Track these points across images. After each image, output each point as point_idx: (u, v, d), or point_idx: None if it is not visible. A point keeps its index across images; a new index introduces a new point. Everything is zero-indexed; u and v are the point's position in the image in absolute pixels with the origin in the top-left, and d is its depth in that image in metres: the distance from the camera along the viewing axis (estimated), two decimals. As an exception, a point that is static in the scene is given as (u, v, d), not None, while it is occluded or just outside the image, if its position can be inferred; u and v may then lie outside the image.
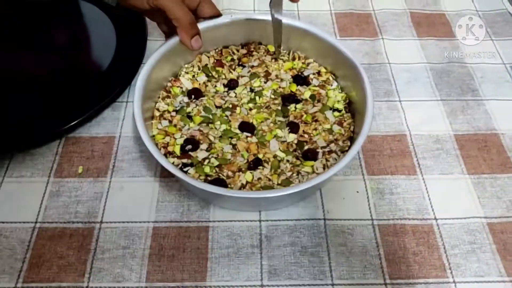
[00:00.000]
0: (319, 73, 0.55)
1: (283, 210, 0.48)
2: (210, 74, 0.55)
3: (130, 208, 0.47)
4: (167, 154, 0.47)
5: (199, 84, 0.54)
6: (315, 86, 0.54)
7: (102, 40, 0.63)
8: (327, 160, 0.47)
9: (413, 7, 0.71)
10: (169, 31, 0.53)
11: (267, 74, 0.55)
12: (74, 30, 0.65)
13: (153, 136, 0.48)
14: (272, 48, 0.57)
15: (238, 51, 0.58)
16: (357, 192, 0.49)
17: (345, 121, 0.50)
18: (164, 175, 0.50)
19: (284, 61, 0.57)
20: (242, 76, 0.55)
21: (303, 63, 0.57)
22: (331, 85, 0.54)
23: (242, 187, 0.46)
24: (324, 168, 0.46)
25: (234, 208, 0.47)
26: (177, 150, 0.47)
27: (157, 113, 0.51)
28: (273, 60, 0.57)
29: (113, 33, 0.62)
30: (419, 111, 0.57)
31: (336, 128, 0.49)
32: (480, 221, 0.47)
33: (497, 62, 0.63)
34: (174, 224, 0.46)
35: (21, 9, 0.64)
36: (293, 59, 0.57)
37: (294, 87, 0.54)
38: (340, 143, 0.48)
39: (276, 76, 0.55)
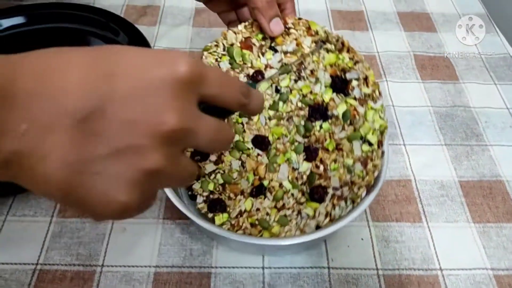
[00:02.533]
0: (366, 79, 0.43)
1: (287, 257, 0.47)
2: (234, 60, 0.46)
3: (132, 251, 0.46)
4: None
5: (221, 72, 0.48)
6: (354, 99, 0.43)
7: None
8: (333, 206, 0.43)
9: (417, 49, 0.70)
10: (235, 20, 0.48)
11: (301, 68, 0.45)
12: None
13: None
14: (315, 26, 0.45)
15: None
16: (362, 239, 0.48)
17: (372, 161, 0.42)
18: (168, 216, 0.49)
19: (328, 51, 0.45)
20: (270, 67, 0.46)
21: (351, 58, 0.44)
22: (375, 103, 0.43)
23: (239, 214, 0.45)
24: (326, 216, 0.43)
25: (238, 249, 0.47)
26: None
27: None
28: (315, 46, 0.45)
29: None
30: (424, 155, 0.56)
31: (358, 168, 0.42)
32: (487, 273, 0.45)
33: (501, 107, 0.62)
34: (176, 270, 0.45)
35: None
36: (340, 50, 0.44)
37: (328, 95, 0.44)
38: (355, 189, 0.42)
39: (312, 72, 0.45)
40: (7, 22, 0.61)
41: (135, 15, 0.72)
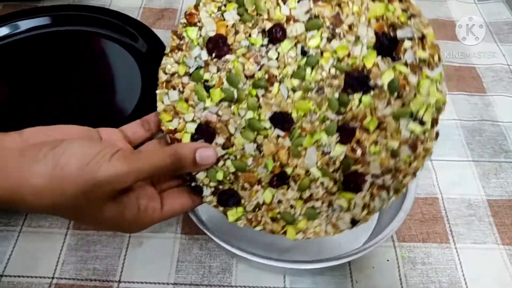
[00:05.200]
0: (422, 40, 0.33)
1: (309, 276, 0.43)
2: (245, 9, 0.35)
3: (149, 267, 0.44)
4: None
5: (226, 26, 0.35)
6: (405, 64, 0.34)
7: (126, 82, 0.58)
8: (371, 197, 0.36)
9: (444, 58, 0.60)
10: None
11: (336, 22, 0.34)
12: (96, 71, 0.60)
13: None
14: None
15: None
16: (387, 260, 0.45)
17: (423, 143, 0.34)
18: (186, 231, 0.47)
19: None
20: (295, 20, 0.35)
21: (404, 10, 0.33)
22: (432, 70, 0.33)
23: (257, 207, 0.38)
24: (363, 209, 0.36)
25: (259, 267, 0.43)
26: (187, 140, 0.37)
27: (163, 76, 0.37)
28: None
29: (138, 75, 0.58)
30: (451, 172, 0.53)
31: (405, 151, 0.34)
32: None
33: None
34: None
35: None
36: None
37: (372, 58, 0.34)
38: (400, 177, 0.35)
39: (350, 28, 0.34)
40: (27, 24, 0.62)
41: (152, 18, 0.70)
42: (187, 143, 0.36)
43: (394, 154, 0.35)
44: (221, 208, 0.38)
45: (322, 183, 0.37)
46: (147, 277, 0.44)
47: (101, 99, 0.57)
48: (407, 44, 0.34)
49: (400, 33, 0.33)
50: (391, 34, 0.34)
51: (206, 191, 0.37)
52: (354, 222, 0.37)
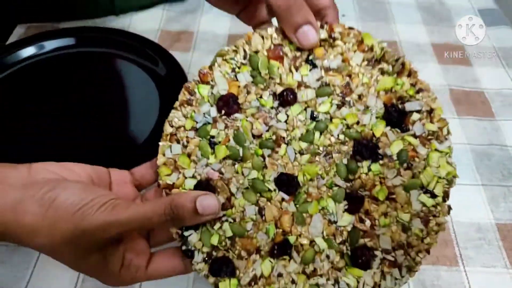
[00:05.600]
0: (430, 113, 0.34)
1: None
2: (258, 72, 0.35)
3: (168, 279, 0.39)
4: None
5: (239, 87, 0.36)
6: (414, 136, 0.34)
7: (145, 105, 0.57)
8: (383, 275, 0.33)
9: (453, 83, 0.66)
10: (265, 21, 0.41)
11: (346, 91, 0.35)
12: (116, 93, 0.60)
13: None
14: (370, 40, 0.35)
15: None
16: None
17: (435, 217, 0.33)
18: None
19: (383, 73, 0.35)
20: (306, 86, 0.35)
21: (412, 85, 0.35)
22: (441, 143, 0.34)
23: (253, 281, 0.34)
24: None
25: None
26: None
27: (168, 129, 0.35)
28: (366, 64, 0.35)
29: (156, 96, 0.58)
30: (460, 196, 0.49)
31: (416, 225, 0.33)
32: None
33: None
34: None
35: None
36: (399, 73, 0.35)
37: (380, 128, 0.34)
38: (413, 253, 0.32)
39: (360, 98, 0.35)
40: (52, 44, 0.63)
41: (169, 40, 0.71)
42: (186, 192, 0.34)
43: (405, 227, 0.33)
44: (212, 280, 0.33)
45: (327, 256, 0.33)
46: None
47: (118, 120, 0.56)
48: (415, 116, 0.34)
49: (408, 106, 0.34)
50: (400, 106, 0.35)
51: (198, 257, 0.33)
52: (362, 305, 0.32)
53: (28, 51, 0.61)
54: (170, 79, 0.58)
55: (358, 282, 0.33)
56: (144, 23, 0.74)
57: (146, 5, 0.75)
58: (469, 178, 0.54)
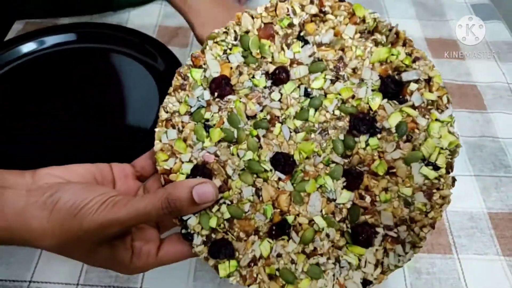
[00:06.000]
0: (429, 81, 0.33)
1: None
2: (249, 52, 0.35)
3: (169, 274, 0.44)
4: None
5: (231, 68, 0.35)
6: (413, 107, 0.33)
7: (144, 100, 0.58)
8: (386, 252, 0.32)
9: (446, 77, 0.66)
10: None
11: (339, 65, 0.34)
12: (115, 88, 0.61)
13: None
14: (361, 11, 0.34)
15: (303, 8, 0.35)
16: None
17: (439, 190, 0.31)
18: None
19: (377, 44, 0.34)
20: (298, 63, 0.35)
21: (408, 54, 0.33)
22: (442, 113, 0.32)
23: (253, 262, 0.33)
24: (376, 267, 0.31)
25: None
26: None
27: (163, 115, 0.36)
28: (359, 36, 0.34)
29: (155, 91, 0.58)
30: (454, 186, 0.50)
31: (419, 199, 0.31)
32: None
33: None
34: None
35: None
36: (393, 43, 0.34)
37: (377, 101, 0.33)
38: (416, 229, 0.31)
39: (354, 71, 0.34)
40: (52, 40, 0.64)
41: (167, 36, 0.72)
42: (181, 182, 0.33)
43: (407, 202, 0.32)
44: (211, 262, 0.33)
45: (327, 235, 0.32)
46: (167, 284, 0.45)
47: (118, 115, 0.57)
48: (413, 86, 0.33)
49: (405, 76, 0.33)
50: (396, 77, 0.33)
51: (197, 240, 0.33)
52: (365, 283, 0.31)
53: (28, 47, 0.63)
54: (169, 74, 0.59)
55: (359, 260, 0.32)
56: (141, 19, 0.74)
57: (143, 0, 0.75)
58: (462, 169, 0.56)
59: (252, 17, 0.35)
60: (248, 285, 0.33)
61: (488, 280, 0.46)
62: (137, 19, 0.74)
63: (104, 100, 0.59)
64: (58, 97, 0.59)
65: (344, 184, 0.33)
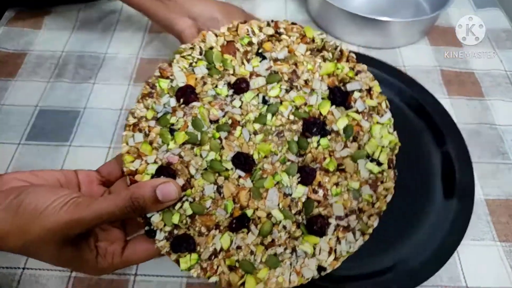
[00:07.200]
0: (369, 91, 0.38)
1: None
2: (213, 65, 0.39)
3: (164, 261, 0.40)
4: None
5: (196, 79, 0.39)
6: (357, 112, 0.37)
7: None
8: (338, 240, 0.34)
9: (444, 64, 0.67)
10: None
11: (293, 77, 0.39)
12: None
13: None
14: (311, 33, 0.39)
15: (261, 29, 0.40)
16: None
17: (383, 183, 0.35)
18: None
19: (324, 59, 0.39)
20: (257, 75, 0.39)
21: (351, 68, 0.39)
22: (382, 116, 0.37)
23: (214, 254, 0.35)
24: (329, 253, 0.34)
25: None
26: (146, 181, 0.36)
27: (131, 120, 0.38)
28: (310, 53, 0.39)
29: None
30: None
31: (366, 191, 0.35)
32: None
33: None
34: (207, 281, 0.39)
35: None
36: (339, 59, 0.39)
37: (326, 107, 0.37)
38: (364, 218, 0.34)
39: (306, 82, 0.39)
40: None
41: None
42: (145, 182, 0.35)
43: (355, 195, 0.35)
44: (173, 256, 0.34)
45: (284, 227, 0.35)
46: (163, 270, 0.45)
47: None
48: (356, 95, 0.38)
49: (349, 86, 0.38)
50: (342, 87, 0.38)
51: (159, 235, 0.34)
52: (320, 269, 0.33)
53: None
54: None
55: (314, 249, 0.34)
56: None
57: None
58: None
59: (216, 35, 0.40)
60: (209, 277, 0.33)
61: (484, 265, 0.47)
62: (131, 8, 0.70)
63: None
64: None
65: (299, 180, 0.36)
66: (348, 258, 0.34)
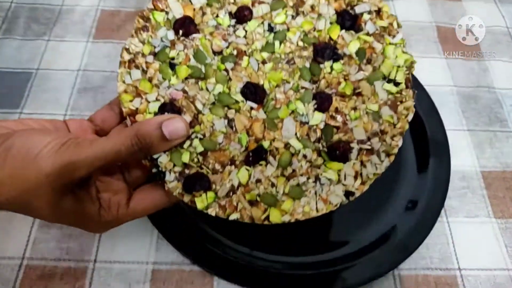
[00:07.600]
0: (379, 12, 0.36)
1: None
2: None
3: (127, 245, 0.41)
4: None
5: (194, 9, 0.36)
6: (368, 34, 0.35)
7: None
8: (363, 164, 0.32)
9: (441, 20, 0.61)
10: None
11: (298, 3, 0.36)
12: None
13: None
14: None
15: None
16: None
17: (402, 102, 0.33)
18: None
19: None
20: (260, 2, 0.36)
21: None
22: (394, 37, 0.35)
23: (232, 191, 0.32)
24: (356, 178, 0.32)
25: None
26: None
27: (126, 56, 0.34)
28: None
29: None
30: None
31: (386, 112, 0.33)
32: (508, 274, 0.40)
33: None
34: (175, 267, 0.40)
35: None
36: None
37: (335, 31, 0.35)
38: (388, 139, 0.33)
39: (312, 8, 0.36)
40: None
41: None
42: (149, 119, 0.31)
43: (375, 117, 0.33)
44: (187, 198, 0.31)
45: (304, 156, 0.32)
46: (125, 256, 0.40)
47: None
48: (366, 16, 0.36)
49: (358, 9, 0.36)
50: (350, 11, 0.36)
51: (169, 176, 0.31)
52: (348, 194, 0.31)
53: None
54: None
55: (339, 175, 0.32)
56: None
57: None
58: (454, 123, 0.51)
59: (213, -39, 0.37)
60: (228, 215, 0.31)
61: (479, 245, 0.43)
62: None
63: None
64: None
65: (315, 106, 0.34)
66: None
